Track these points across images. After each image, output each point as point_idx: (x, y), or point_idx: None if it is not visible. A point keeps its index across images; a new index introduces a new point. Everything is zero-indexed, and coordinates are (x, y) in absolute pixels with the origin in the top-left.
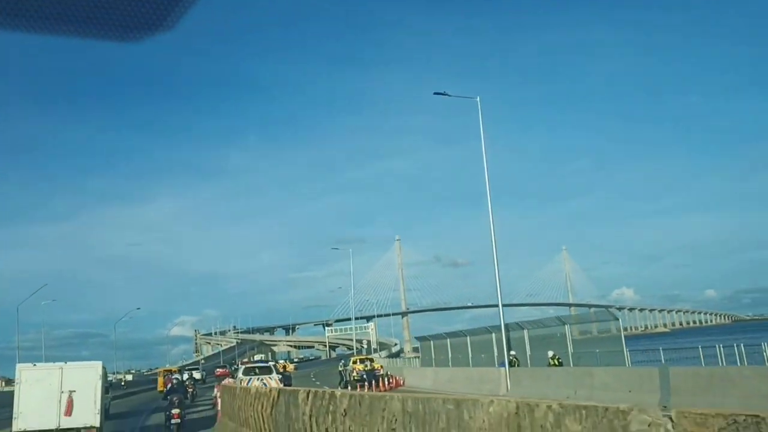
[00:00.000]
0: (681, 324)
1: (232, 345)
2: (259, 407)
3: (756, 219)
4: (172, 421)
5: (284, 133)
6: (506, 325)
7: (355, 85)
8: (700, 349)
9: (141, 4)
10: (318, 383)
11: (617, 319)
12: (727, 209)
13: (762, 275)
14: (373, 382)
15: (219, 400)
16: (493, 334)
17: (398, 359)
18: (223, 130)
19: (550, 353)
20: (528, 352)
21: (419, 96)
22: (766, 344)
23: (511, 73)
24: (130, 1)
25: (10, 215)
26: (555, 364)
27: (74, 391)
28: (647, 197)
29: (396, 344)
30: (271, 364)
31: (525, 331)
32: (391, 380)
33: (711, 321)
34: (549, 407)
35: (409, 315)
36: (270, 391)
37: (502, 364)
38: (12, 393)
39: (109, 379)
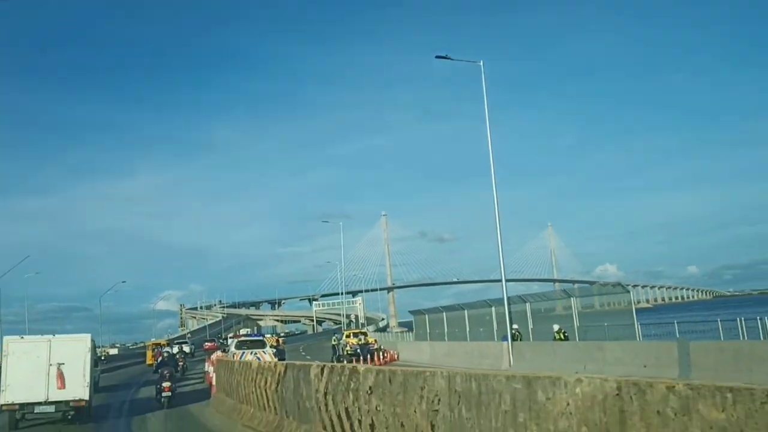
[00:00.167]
0: (663, 300)
1: (218, 319)
2: (263, 383)
3: (738, 196)
4: (163, 394)
5: (270, 108)
6: (508, 298)
7: (341, 60)
8: (719, 322)
9: None
10: (309, 357)
11: (628, 292)
12: (710, 186)
13: (743, 252)
14: (368, 356)
15: (213, 375)
16: (493, 308)
17: (385, 334)
18: (208, 105)
19: (556, 327)
20: (530, 326)
21: (406, 71)
22: None
23: (496, 50)
24: None
25: None
26: (561, 339)
27: (63, 363)
28: (631, 174)
29: (383, 319)
30: (266, 336)
31: (527, 305)
32: (385, 354)
33: (693, 297)
34: (671, 388)
35: (394, 290)
36: (275, 365)
37: (504, 338)
38: None
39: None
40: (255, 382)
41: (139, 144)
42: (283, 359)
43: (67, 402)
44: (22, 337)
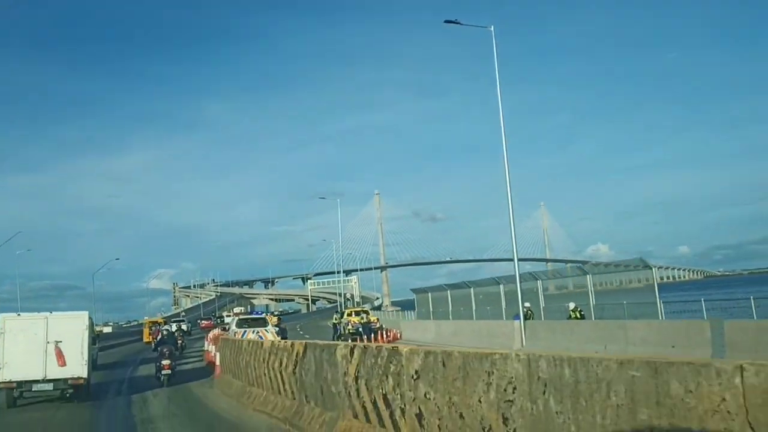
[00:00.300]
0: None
1: (212, 298)
2: (277, 364)
3: (729, 176)
4: (163, 372)
5: (263, 85)
6: (520, 275)
7: (336, 37)
8: (752, 300)
9: None
10: (307, 336)
11: (650, 268)
12: (702, 167)
13: (733, 232)
14: (371, 335)
15: (217, 354)
16: (501, 286)
17: (381, 312)
18: (200, 81)
19: (572, 305)
20: (542, 305)
21: (400, 48)
22: None
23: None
24: None
25: None
26: (577, 317)
27: (60, 341)
28: (623, 154)
29: (378, 298)
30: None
31: (538, 282)
32: (388, 334)
33: (684, 277)
34: None
35: (387, 269)
36: (292, 345)
37: (516, 317)
38: None
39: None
40: (268, 363)
41: (131, 121)
42: (285, 338)
43: (65, 380)
44: (19, 315)
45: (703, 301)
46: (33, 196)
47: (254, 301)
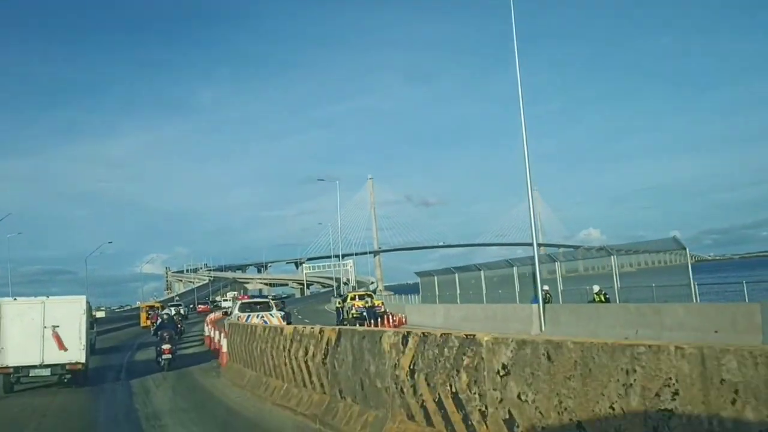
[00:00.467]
0: (647, 264)
1: (205, 282)
2: (301, 353)
3: (720, 162)
4: (164, 357)
5: (255, 69)
6: (538, 257)
7: (328, 21)
8: None
9: None
10: (307, 321)
11: (684, 248)
12: (693, 152)
13: (723, 217)
14: (377, 319)
15: (218, 340)
16: (515, 268)
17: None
18: (192, 65)
19: (596, 287)
20: (560, 288)
21: (393, 33)
22: None
23: (479, 15)
24: None
25: None
26: (601, 301)
27: (57, 326)
28: (615, 139)
29: (372, 282)
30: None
31: (556, 264)
32: (393, 318)
33: (675, 261)
34: None
35: (380, 254)
36: (321, 330)
37: (534, 300)
38: None
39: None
40: (289, 351)
41: (122, 105)
42: (290, 323)
43: (63, 365)
44: (15, 299)
45: (744, 283)
46: (24, 181)
47: (248, 286)
